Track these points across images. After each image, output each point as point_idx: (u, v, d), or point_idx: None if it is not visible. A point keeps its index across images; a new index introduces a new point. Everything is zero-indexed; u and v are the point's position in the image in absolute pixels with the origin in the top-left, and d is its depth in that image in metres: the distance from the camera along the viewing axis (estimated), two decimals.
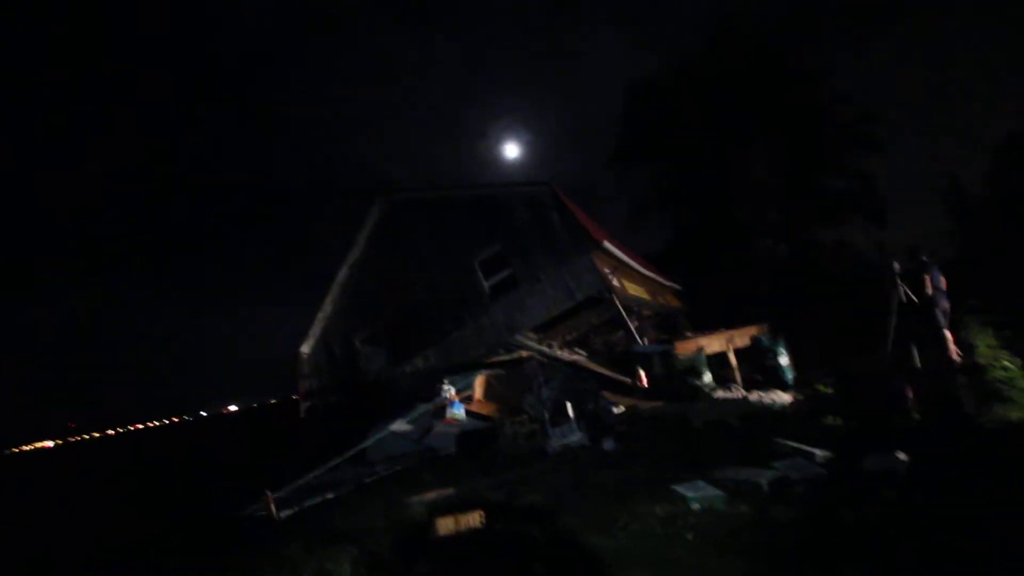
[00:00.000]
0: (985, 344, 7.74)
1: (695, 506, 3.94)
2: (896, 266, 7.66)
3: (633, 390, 9.84)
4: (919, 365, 7.15)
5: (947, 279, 7.76)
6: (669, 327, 17.05)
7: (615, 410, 8.65)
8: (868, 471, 4.01)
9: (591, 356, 12.79)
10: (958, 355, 7.46)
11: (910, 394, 5.73)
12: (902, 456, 4.04)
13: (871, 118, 24.38)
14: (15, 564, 7.22)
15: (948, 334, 7.61)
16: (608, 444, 6.68)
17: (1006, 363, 5.99)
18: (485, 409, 10.17)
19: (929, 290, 7.58)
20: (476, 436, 8.91)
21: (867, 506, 3.38)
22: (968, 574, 2.59)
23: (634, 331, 11.60)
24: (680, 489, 4.23)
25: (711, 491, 4.10)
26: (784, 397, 7.46)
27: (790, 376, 8.64)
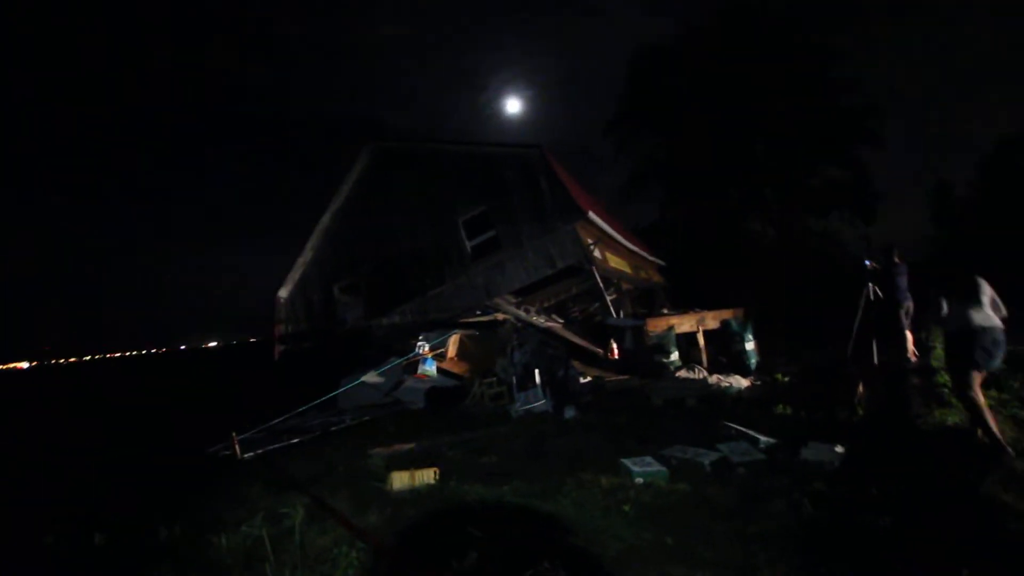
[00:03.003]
0: (943, 348, 8.01)
1: (639, 480, 4.12)
2: (868, 263, 7.79)
3: (603, 361, 10.05)
4: (876, 362, 7.39)
5: (921, 280, 7.90)
6: (648, 302, 17.28)
7: (582, 379, 8.86)
8: (804, 460, 4.22)
9: (567, 324, 12.95)
10: (915, 355, 7.72)
11: (861, 389, 5.95)
12: (838, 449, 4.25)
13: (876, 111, 24.16)
14: None
15: (909, 335, 7.85)
16: (569, 412, 6.87)
17: None
18: (456, 368, 10.33)
19: (898, 289, 7.77)
20: (445, 393, 9.08)
21: (796, 494, 3.57)
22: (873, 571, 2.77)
23: (610, 304, 11.74)
24: (627, 463, 4.41)
25: (656, 467, 4.28)
26: (743, 382, 7.70)
27: (753, 362, 8.89)
